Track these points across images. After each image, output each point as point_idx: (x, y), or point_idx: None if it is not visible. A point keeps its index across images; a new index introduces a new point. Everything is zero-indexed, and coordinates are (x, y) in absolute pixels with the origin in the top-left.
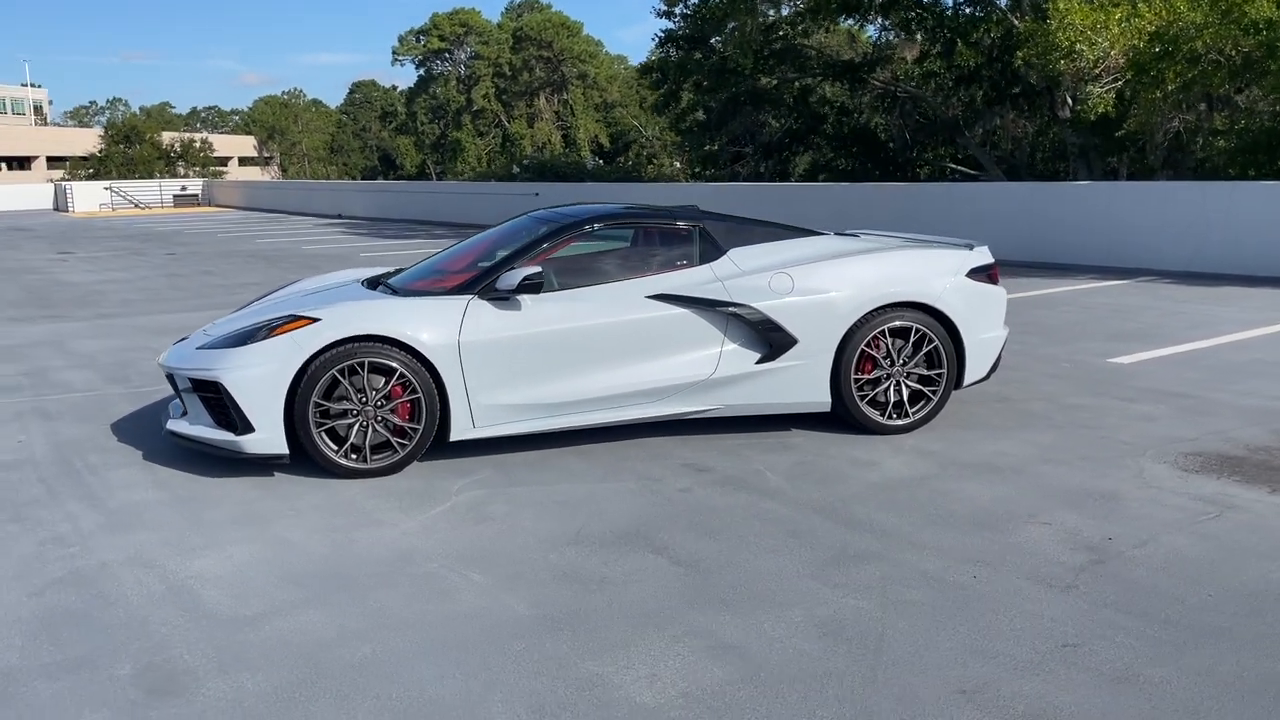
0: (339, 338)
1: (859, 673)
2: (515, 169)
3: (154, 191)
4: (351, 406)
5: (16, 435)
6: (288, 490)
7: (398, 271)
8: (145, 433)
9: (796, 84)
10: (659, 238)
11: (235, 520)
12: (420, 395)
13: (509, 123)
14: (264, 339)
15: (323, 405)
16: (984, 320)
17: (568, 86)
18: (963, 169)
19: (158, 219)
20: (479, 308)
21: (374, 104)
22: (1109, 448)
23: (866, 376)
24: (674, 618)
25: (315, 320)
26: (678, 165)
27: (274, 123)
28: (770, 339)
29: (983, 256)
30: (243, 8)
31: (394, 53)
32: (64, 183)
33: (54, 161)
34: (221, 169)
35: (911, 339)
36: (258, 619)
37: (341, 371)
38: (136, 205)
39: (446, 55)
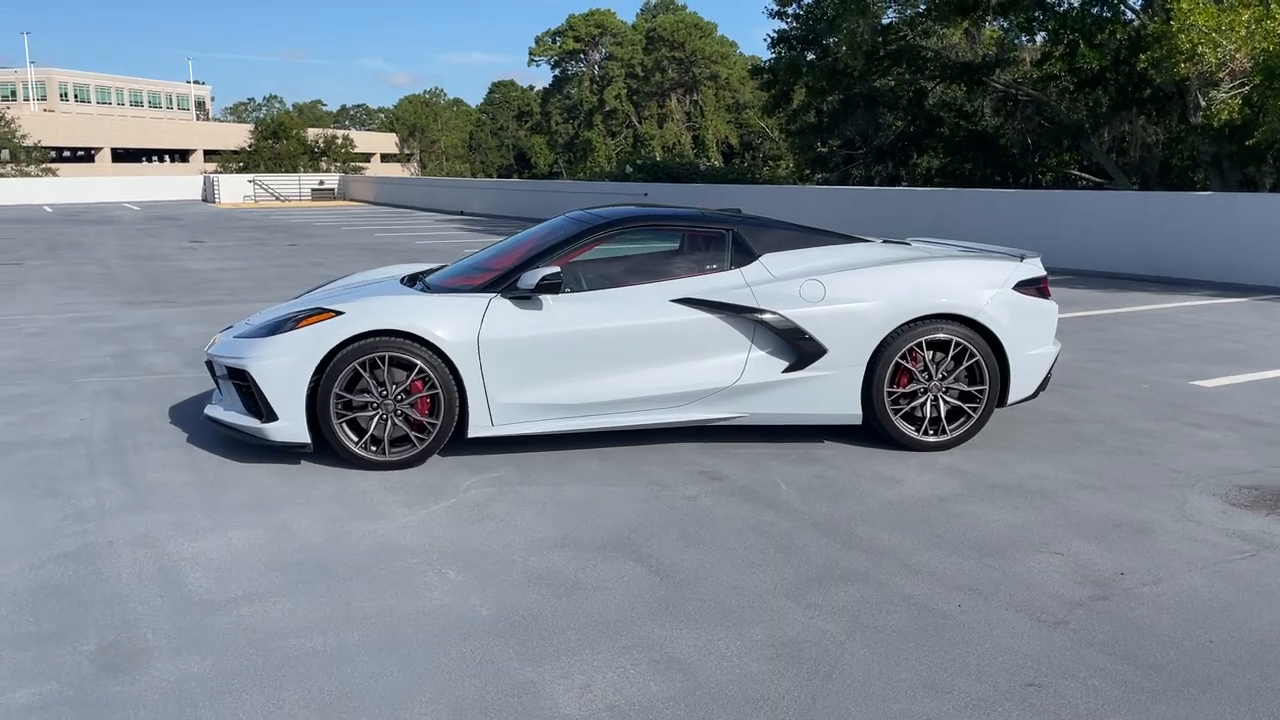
0: (359, 331)
1: (799, 699)
2: (628, 169)
3: (294, 185)
4: (372, 399)
5: (82, 413)
6: (306, 479)
7: (440, 268)
8: (198, 417)
9: (912, 86)
10: (691, 241)
11: (247, 505)
12: (439, 391)
13: (639, 123)
14: (290, 330)
15: (344, 397)
16: (1031, 335)
17: (699, 87)
18: (1088, 177)
19: (293, 211)
20: (500, 306)
21: (512, 103)
22: (1157, 476)
23: (902, 390)
24: (630, 628)
25: (339, 314)
26: (791, 167)
27: (415, 121)
28: (798, 347)
29: (1032, 269)
30: (393, 9)
31: (530, 53)
32: (213, 175)
33: (210, 155)
34: (362, 165)
35: (951, 352)
36: (228, 604)
37: (363, 364)
38: (277, 198)
39: (581, 56)
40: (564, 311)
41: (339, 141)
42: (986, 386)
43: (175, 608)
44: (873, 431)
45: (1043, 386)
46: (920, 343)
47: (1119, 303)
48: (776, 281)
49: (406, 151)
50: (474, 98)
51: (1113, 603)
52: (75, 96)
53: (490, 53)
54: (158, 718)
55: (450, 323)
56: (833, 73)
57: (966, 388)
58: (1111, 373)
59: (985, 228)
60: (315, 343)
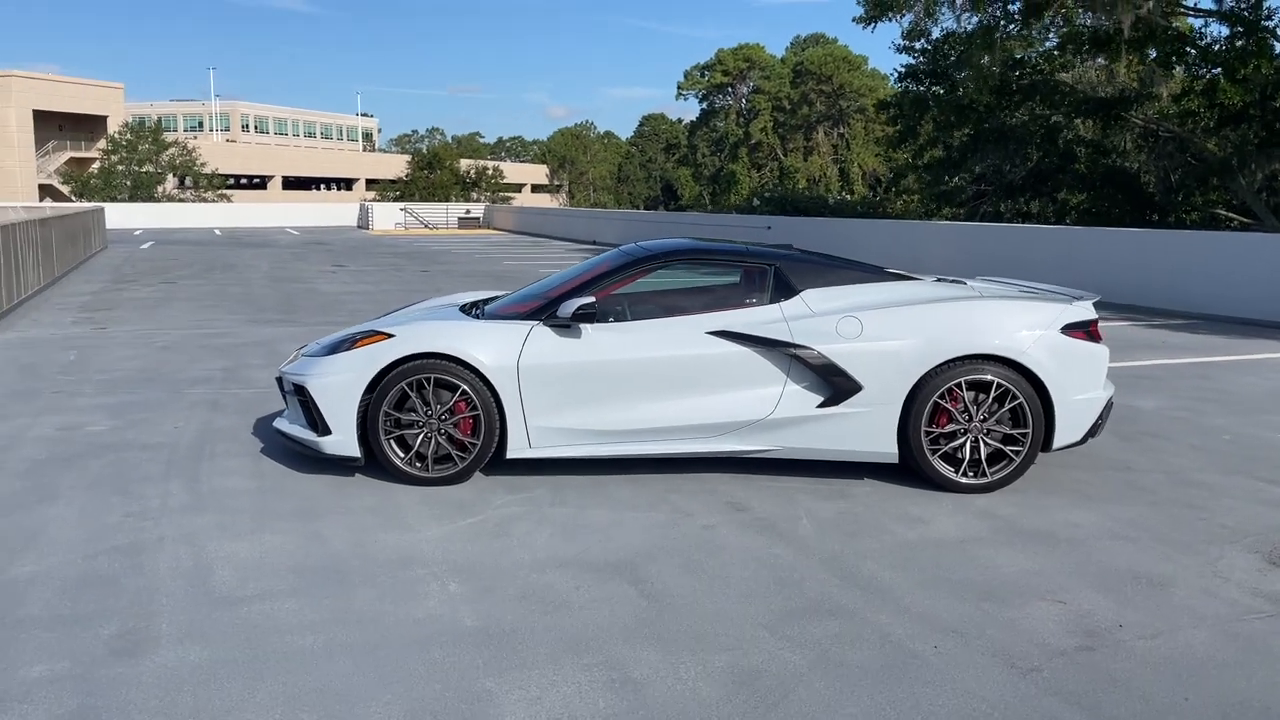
0: (407, 353)
1: None
2: (754, 202)
3: (441, 214)
4: (418, 418)
5: (177, 421)
6: (352, 490)
7: (502, 296)
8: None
9: (1045, 121)
10: (734, 275)
11: (292, 512)
12: (480, 412)
13: (784, 156)
14: (346, 350)
15: (393, 415)
16: (1078, 379)
17: (847, 120)
18: (1237, 217)
19: (437, 239)
20: (541, 333)
21: (660, 136)
22: (1201, 531)
23: (940, 430)
24: (600, 647)
25: (390, 336)
26: (916, 203)
27: (565, 153)
28: (833, 383)
29: (1082, 311)
30: (559, 45)
31: (679, 87)
32: (368, 203)
33: (372, 184)
34: (510, 195)
35: (993, 394)
36: (242, 601)
37: (410, 385)
38: (425, 225)
39: (729, 90)
40: (602, 340)
41: (489, 172)
42: (1030, 430)
43: (194, 602)
44: (912, 471)
45: (1093, 433)
46: (960, 383)
47: (1240, 349)
48: (814, 317)
49: (556, 183)
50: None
51: (1098, 654)
52: (255, 128)
53: (649, 87)
54: (145, 698)
55: (492, 348)
56: (960, 108)
57: (1009, 430)
58: (1197, 422)
59: (1112, 267)
60: (367, 363)
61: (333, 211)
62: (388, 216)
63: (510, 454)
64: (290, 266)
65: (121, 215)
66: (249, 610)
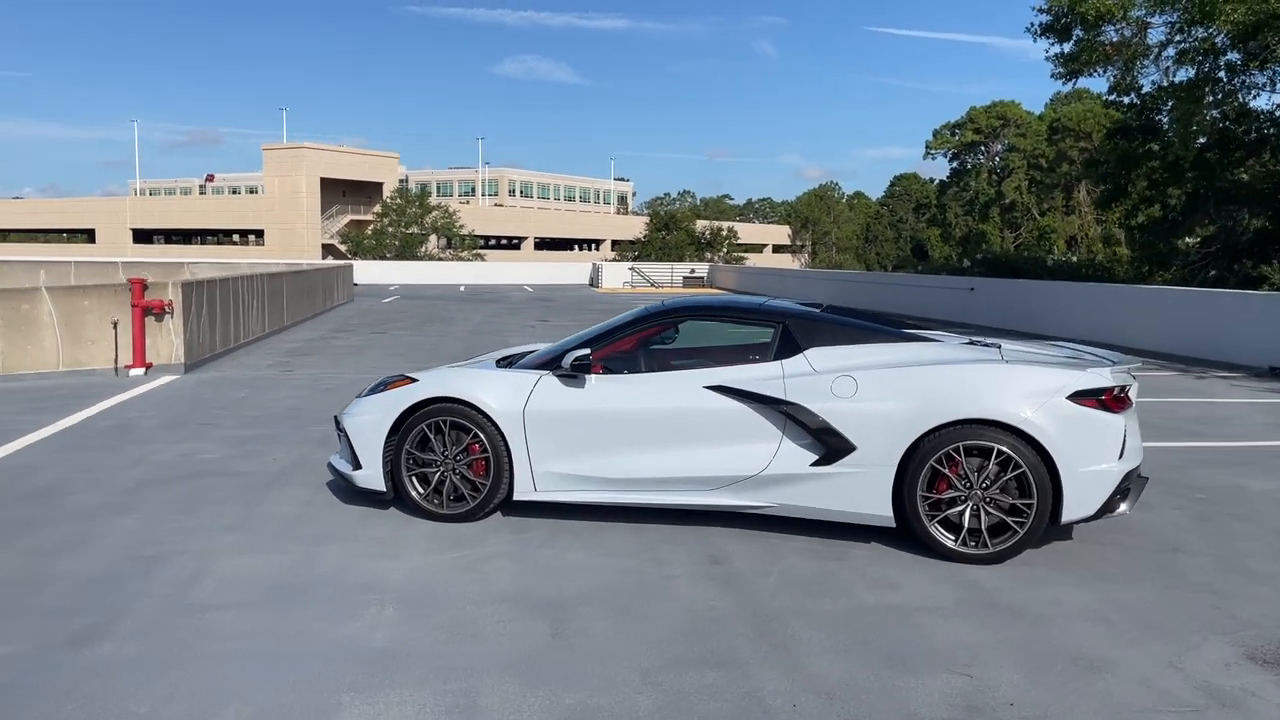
0: (425, 397)
1: None
2: (965, 263)
3: (666, 273)
4: (436, 458)
5: (278, 454)
6: (375, 521)
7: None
8: None
9: (1276, 178)
10: (745, 331)
11: (310, 537)
12: (489, 454)
13: (1039, 215)
14: (379, 392)
15: (414, 454)
16: (1087, 450)
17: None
18: None
19: (654, 297)
20: (548, 383)
21: (911, 195)
22: (1201, 621)
23: (939, 496)
24: (471, 676)
25: (414, 381)
26: (1126, 267)
27: (808, 213)
28: (827, 443)
29: (1097, 379)
30: (810, 107)
31: (927, 146)
32: (599, 263)
33: (616, 244)
34: (744, 255)
35: (994, 461)
36: (204, 610)
37: (430, 426)
38: (651, 284)
39: (980, 148)
40: (605, 390)
41: (723, 233)
42: (1035, 501)
43: (164, 607)
44: (913, 537)
45: (1109, 508)
46: (958, 448)
47: None
48: (813, 375)
49: (799, 243)
50: (878, 190)
51: None
52: (520, 192)
53: (902, 146)
54: (63, 680)
55: (502, 394)
56: (1173, 165)
57: (1015, 501)
58: (1264, 500)
59: None
60: (392, 405)
61: (570, 270)
62: (616, 275)
63: (517, 496)
64: (499, 320)
65: (383, 272)
66: (203, 618)
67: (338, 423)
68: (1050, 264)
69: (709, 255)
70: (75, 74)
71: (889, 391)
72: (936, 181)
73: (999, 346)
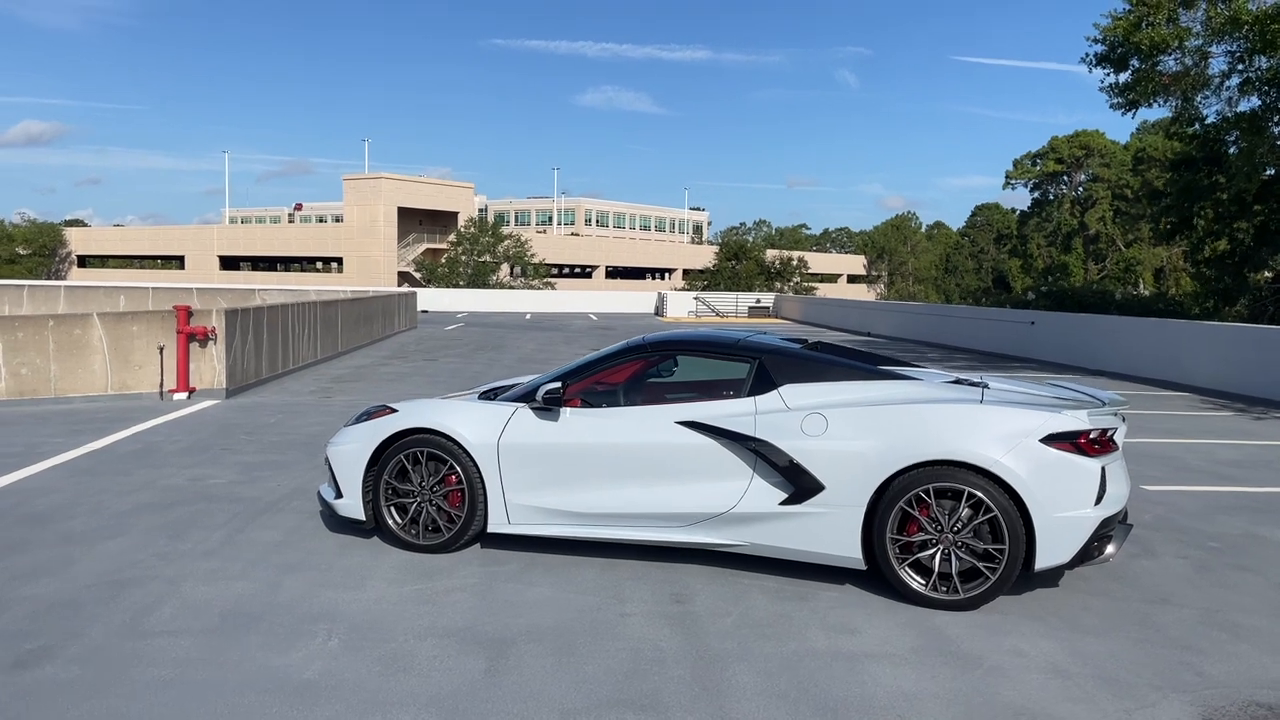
0: (402, 428)
1: None
2: (1030, 295)
3: (731, 303)
4: (413, 488)
5: (283, 481)
6: (353, 551)
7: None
8: None
9: None
10: (718, 366)
11: (283, 565)
12: (465, 486)
13: (1124, 247)
14: (362, 422)
15: (392, 484)
16: (1060, 495)
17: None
18: None
19: (716, 326)
20: (523, 415)
21: (993, 226)
22: (1158, 676)
23: (909, 538)
24: (393, 710)
25: (393, 411)
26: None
27: (884, 244)
28: (795, 481)
29: (1071, 422)
30: (893, 136)
31: (1007, 176)
32: (664, 292)
33: (687, 273)
34: (814, 285)
35: (964, 504)
36: (154, 635)
37: (408, 457)
38: (716, 314)
39: (1063, 178)
40: (578, 424)
41: (793, 262)
42: (1006, 546)
43: (117, 631)
44: (884, 580)
45: (1086, 557)
46: (929, 489)
47: None
48: (785, 412)
49: (874, 273)
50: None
51: None
52: (597, 221)
53: (986, 175)
54: (3, 700)
55: (477, 426)
56: (1238, 197)
57: (989, 546)
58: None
59: None
60: (372, 435)
61: (637, 299)
62: (681, 305)
63: (491, 528)
64: (551, 348)
65: (453, 299)
66: (147, 644)
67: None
68: (1119, 298)
69: (778, 285)
70: (182, 108)
71: (859, 430)
72: (1017, 212)
73: (985, 385)
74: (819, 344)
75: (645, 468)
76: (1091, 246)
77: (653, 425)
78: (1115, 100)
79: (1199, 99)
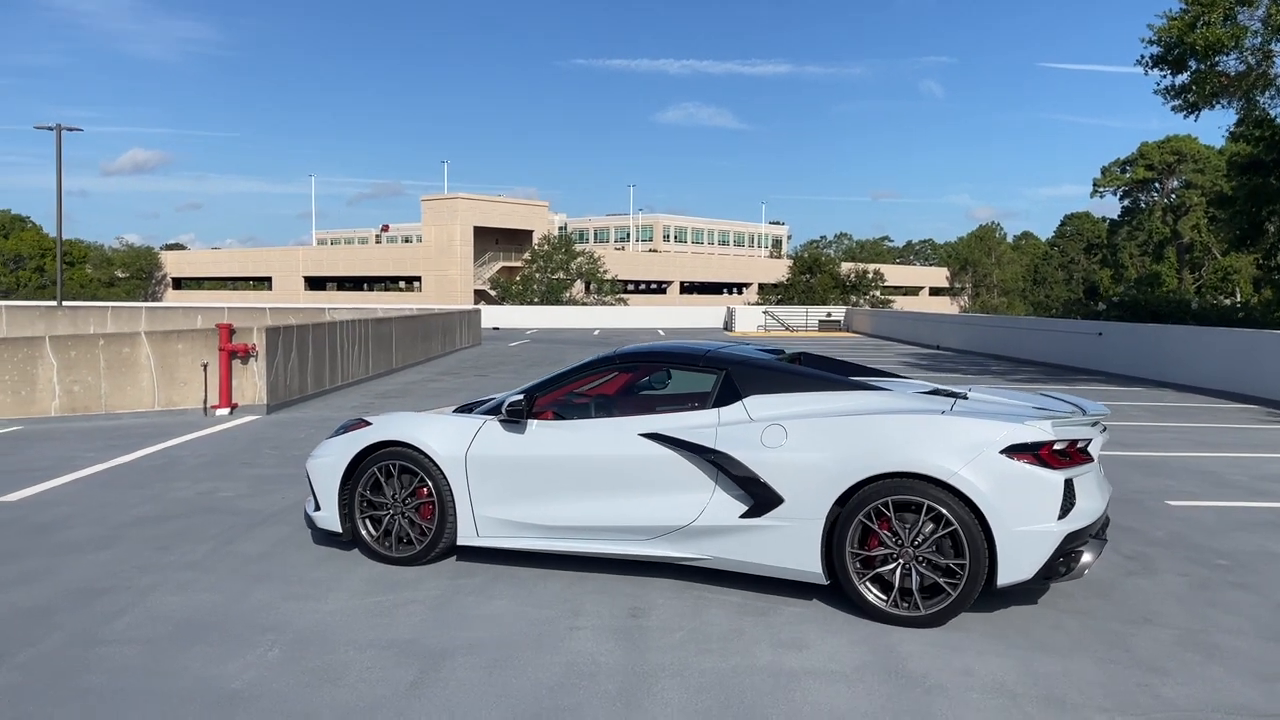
0: (375, 441)
1: None
2: (1100, 306)
3: (801, 317)
4: (386, 501)
5: (287, 495)
6: (331, 563)
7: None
8: None
9: None
10: (685, 378)
11: (258, 576)
12: (435, 499)
13: (1220, 255)
14: (340, 435)
15: (366, 497)
16: (1021, 508)
17: None
18: None
19: (784, 340)
20: (491, 428)
21: (1083, 235)
22: (1110, 698)
23: (870, 553)
24: (298, 716)
25: (369, 424)
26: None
27: (968, 255)
28: (754, 493)
29: (1035, 432)
30: (982, 145)
31: (1095, 184)
32: (733, 306)
33: (763, 287)
34: (891, 299)
35: (925, 517)
36: (107, 643)
37: (381, 470)
38: (786, 328)
39: (1154, 185)
40: (544, 437)
41: (869, 275)
42: (968, 561)
43: (73, 639)
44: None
45: (1051, 573)
46: (888, 502)
47: None
48: (747, 424)
49: (958, 285)
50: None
51: None
52: (675, 237)
53: (1075, 184)
54: None
55: (446, 438)
56: None
57: (951, 561)
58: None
59: None
60: (346, 448)
61: (707, 314)
62: (750, 319)
63: (460, 541)
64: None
65: (524, 316)
66: (96, 652)
67: None
68: (1195, 307)
69: (853, 299)
70: (276, 135)
71: (818, 441)
72: (1108, 221)
73: (962, 396)
74: (800, 355)
75: (609, 480)
76: (1186, 255)
77: (616, 437)
78: (1174, 103)
79: (1264, 99)
